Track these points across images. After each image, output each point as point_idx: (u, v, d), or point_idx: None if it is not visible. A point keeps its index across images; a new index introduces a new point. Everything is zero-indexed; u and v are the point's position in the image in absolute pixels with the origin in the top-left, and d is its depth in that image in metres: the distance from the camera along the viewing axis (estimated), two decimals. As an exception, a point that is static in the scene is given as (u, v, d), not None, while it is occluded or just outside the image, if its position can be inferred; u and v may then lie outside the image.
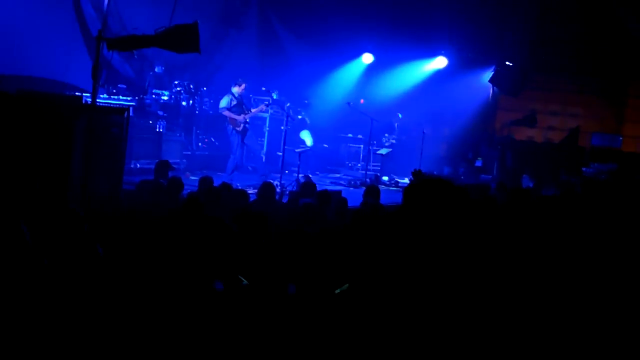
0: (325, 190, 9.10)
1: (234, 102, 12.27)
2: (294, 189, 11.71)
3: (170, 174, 9.14)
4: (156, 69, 13.88)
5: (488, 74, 16.85)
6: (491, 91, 17.48)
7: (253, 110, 12.83)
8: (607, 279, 4.16)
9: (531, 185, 13.85)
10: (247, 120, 12.40)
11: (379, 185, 14.60)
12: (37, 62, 10.84)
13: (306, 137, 15.20)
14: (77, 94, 8.62)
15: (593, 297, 3.47)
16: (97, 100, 7.83)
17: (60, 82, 11.30)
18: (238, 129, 12.21)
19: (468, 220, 2.04)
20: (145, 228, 5.38)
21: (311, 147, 15.13)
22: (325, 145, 16.56)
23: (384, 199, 9.76)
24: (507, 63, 16.38)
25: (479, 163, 16.48)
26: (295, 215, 7.79)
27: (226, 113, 12.22)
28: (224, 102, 12.28)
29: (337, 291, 2.33)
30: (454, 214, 2.02)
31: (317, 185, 12.15)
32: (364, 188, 10.14)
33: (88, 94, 7.92)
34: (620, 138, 16.91)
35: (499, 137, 16.91)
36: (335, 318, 3.05)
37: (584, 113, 18.12)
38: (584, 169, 14.57)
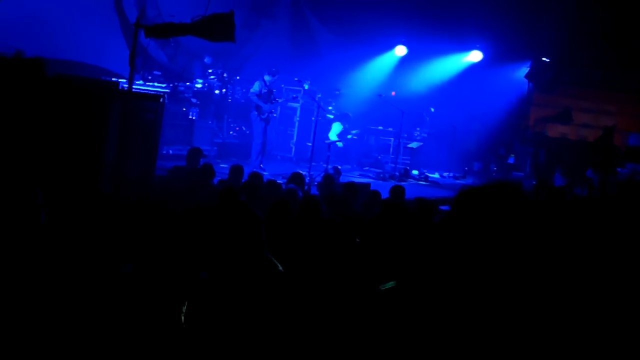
0: (352, 183, 9.08)
1: (265, 90, 12.41)
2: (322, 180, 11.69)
3: (201, 161, 9.21)
4: (205, 59, 14.12)
5: (524, 69, 16.59)
6: (527, 87, 17.20)
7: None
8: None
9: (563, 183, 13.64)
10: (273, 110, 12.62)
11: (408, 180, 14.55)
12: (74, 46, 10.94)
13: (336, 129, 15.11)
14: (113, 79, 8.68)
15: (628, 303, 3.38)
16: (133, 86, 7.88)
17: (97, 67, 11.41)
18: (262, 116, 12.39)
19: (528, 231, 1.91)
20: (179, 215, 5.40)
21: (341, 140, 15.04)
22: (355, 137, 16.51)
23: (413, 194, 9.70)
24: (544, 59, 16.10)
25: (511, 160, 16.22)
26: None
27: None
28: (255, 88, 12.46)
29: (382, 287, 2.22)
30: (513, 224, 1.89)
31: (346, 177, 12.19)
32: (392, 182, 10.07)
33: (124, 80, 7.97)
34: (661, 140, 16.47)
35: (533, 133, 16.64)
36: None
37: (618, 111, 17.74)
38: (618, 169, 14.28)
